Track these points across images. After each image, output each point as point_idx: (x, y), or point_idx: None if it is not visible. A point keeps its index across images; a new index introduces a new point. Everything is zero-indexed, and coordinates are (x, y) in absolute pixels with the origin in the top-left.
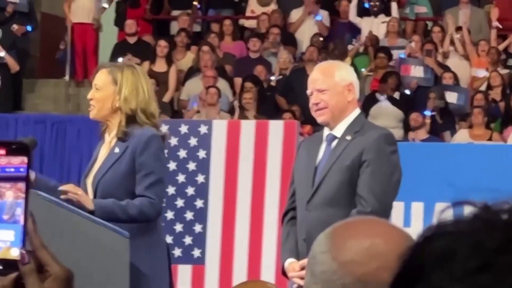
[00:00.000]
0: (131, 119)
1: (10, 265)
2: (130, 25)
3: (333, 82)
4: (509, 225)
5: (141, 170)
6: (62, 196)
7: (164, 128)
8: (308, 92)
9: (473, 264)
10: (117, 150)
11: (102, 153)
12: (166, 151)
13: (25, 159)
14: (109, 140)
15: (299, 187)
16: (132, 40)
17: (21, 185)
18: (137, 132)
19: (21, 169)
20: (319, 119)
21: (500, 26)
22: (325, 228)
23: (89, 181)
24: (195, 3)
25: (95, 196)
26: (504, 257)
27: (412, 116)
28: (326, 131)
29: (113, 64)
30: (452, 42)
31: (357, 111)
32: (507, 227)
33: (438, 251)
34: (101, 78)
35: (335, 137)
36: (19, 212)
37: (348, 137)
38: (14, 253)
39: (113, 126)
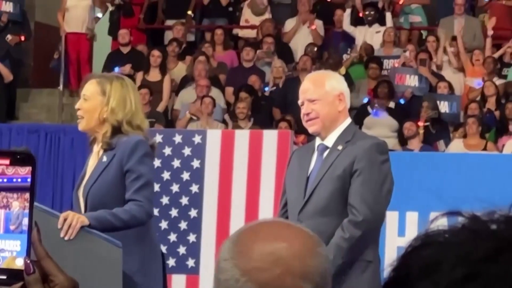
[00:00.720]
0: (116, 130)
1: (14, 275)
2: (123, 35)
3: (323, 92)
4: (497, 235)
5: (129, 176)
6: (65, 236)
7: (158, 138)
8: (299, 102)
9: (459, 274)
10: (104, 159)
11: (91, 164)
12: (159, 160)
13: (30, 169)
14: (97, 151)
15: (290, 197)
16: (125, 49)
17: (27, 195)
18: (123, 140)
19: (28, 179)
20: (310, 129)
21: (492, 33)
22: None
23: (80, 192)
24: (189, 12)
25: (86, 206)
26: (491, 267)
27: (406, 125)
28: (317, 141)
29: (102, 75)
30: (445, 53)
31: (348, 121)
32: (494, 237)
33: (425, 261)
34: (90, 88)
35: (326, 147)
36: (26, 222)
37: (340, 147)
38: (19, 263)
39: (100, 136)
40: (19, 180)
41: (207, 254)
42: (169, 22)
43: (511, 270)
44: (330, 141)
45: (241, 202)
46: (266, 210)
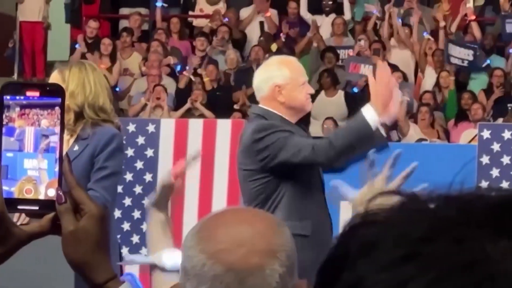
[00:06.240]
0: (79, 115)
1: (46, 205)
2: (92, 29)
3: None
4: (435, 214)
5: (95, 166)
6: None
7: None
8: (302, 80)
9: (398, 253)
10: (76, 148)
11: None
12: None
13: (60, 99)
14: (67, 139)
15: None
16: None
17: (57, 111)
18: (98, 131)
19: (58, 98)
20: (310, 107)
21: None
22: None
23: None
24: None
25: None
26: (429, 246)
27: None
28: None
29: (64, 64)
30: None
31: None
32: (432, 216)
33: (363, 240)
34: (53, 78)
35: None
36: (55, 139)
37: None
38: (51, 193)
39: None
40: (50, 100)
41: None
42: (124, 11)
43: (448, 250)
44: None
45: (194, 191)
46: (220, 198)
